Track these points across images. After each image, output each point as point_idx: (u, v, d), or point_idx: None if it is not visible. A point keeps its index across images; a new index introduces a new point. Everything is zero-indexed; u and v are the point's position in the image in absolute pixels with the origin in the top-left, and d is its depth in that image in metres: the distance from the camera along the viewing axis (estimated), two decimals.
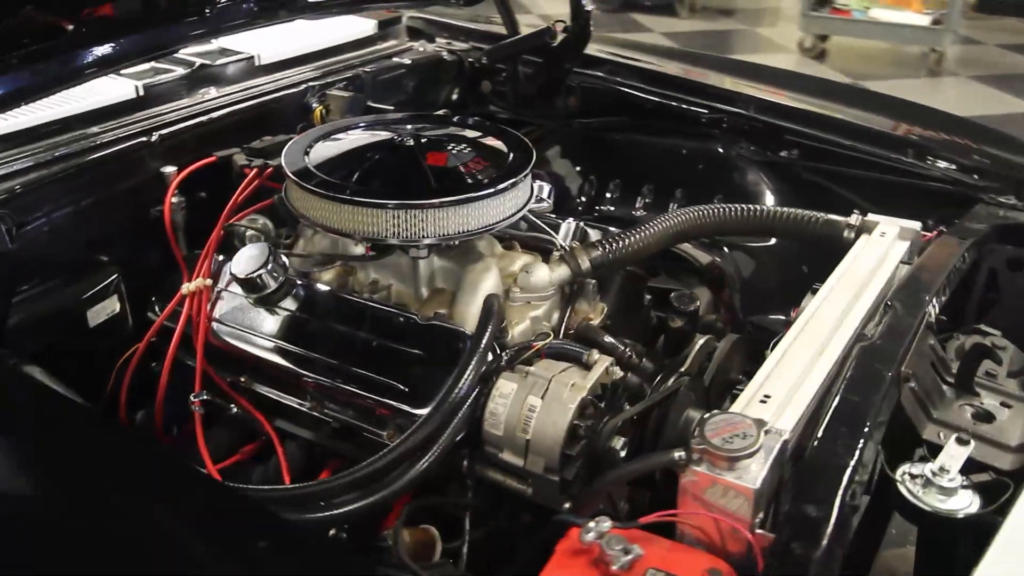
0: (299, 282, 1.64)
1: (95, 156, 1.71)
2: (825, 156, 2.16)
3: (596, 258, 1.67)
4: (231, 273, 1.60)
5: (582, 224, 1.86)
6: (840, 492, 1.06)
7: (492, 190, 1.58)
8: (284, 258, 1.63)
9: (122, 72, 1.89)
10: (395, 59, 2.40)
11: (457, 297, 1.63)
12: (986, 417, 1.36)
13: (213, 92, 2.00)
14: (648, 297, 1.90)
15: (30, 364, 1.46)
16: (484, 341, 1.39)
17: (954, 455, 1.24)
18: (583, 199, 2.40)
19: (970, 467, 1.25)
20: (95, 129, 1.76)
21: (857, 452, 1.11)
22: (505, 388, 1.38)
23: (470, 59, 2.50)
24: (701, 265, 1.99)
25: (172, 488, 1.06)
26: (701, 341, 1.74)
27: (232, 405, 1.60)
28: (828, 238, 1.80)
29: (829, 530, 1.01)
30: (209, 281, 1.67)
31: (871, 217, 1.79)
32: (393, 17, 2.58)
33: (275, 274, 1.59)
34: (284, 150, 1.67)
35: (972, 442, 1.26)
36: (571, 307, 1.70)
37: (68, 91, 1.75)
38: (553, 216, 1.89)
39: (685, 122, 2.30)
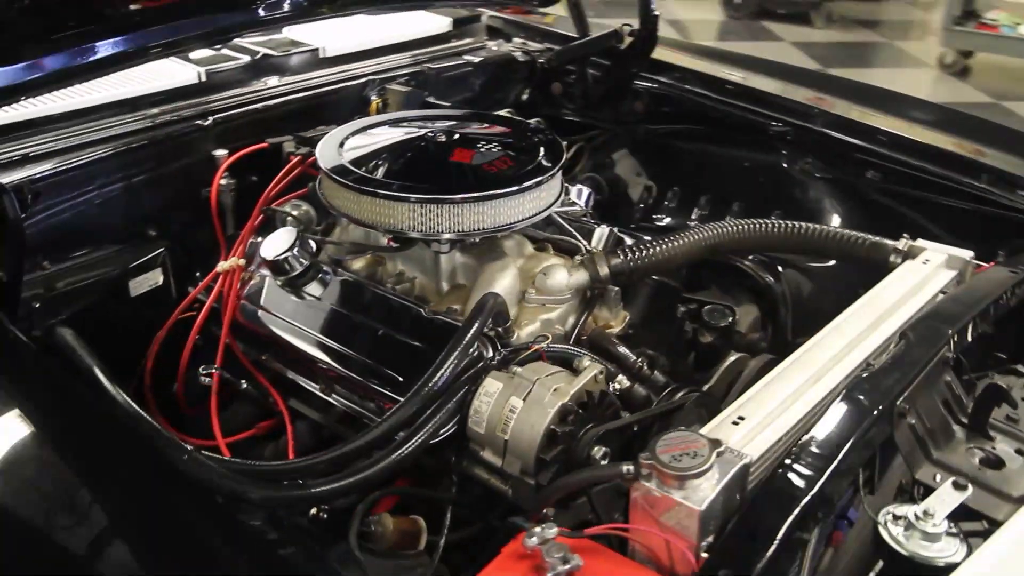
0: (325, 268, 1.69)
1: (151, 135, 1.80)
2: (894, 177, 2.05)
3: (616, 265, 1.65)
4: (260, 255, 1.67)
5: (616, 230, 1.84)
6: (787, 523, 1.01)
7: (509, 189, 1.58)
8: (312, 244, 1.69)
9: (189, 58, 2.00)
10: (464, 57, 2.43)
11: (472, 294, 1.64)
12: (996, 463, 1.26)
13: (273, 81, 2.07)
14: (683, 309, 1.86)
15: (63, 327, 1.56)
16: (469, 335, 1.39)
17: (945, 499, 1.16)
18: (641, 206, 2.36)
19: (964, 514, 1.17)
20: (155, 110, 1.87)
21: (818, 485, 1.06)
22: (491, 387, 1.38)
23: (541, 60, 2.50)
24: (754, 282, 1.93)
25: (137, 459, 1.12)
26: (732, 359, 1.69)
27: (243, 381, 1.66)
28: (874, 261, 1.72)
29: (763, 562, 0.96)
30: (242, 261, 1.74)
31: (920, 243, 1.69)
32: (472, 16, 2.61)
33: (301, 258, 1.65)
34: (321, 141, 1.72)
35: (970, 488, 1.18)
36: (589, 313, 1.68)
37: (136, 74, 1.88)
38: (589, 221, 1.88)
39: (750, 133, 2.23)
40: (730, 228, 1.74)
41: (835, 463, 1.09)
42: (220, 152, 1.87)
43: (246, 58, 2.07)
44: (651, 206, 2.33)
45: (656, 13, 2.26)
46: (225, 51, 2.09)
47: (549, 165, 1.67)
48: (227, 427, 1.70)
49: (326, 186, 1.68)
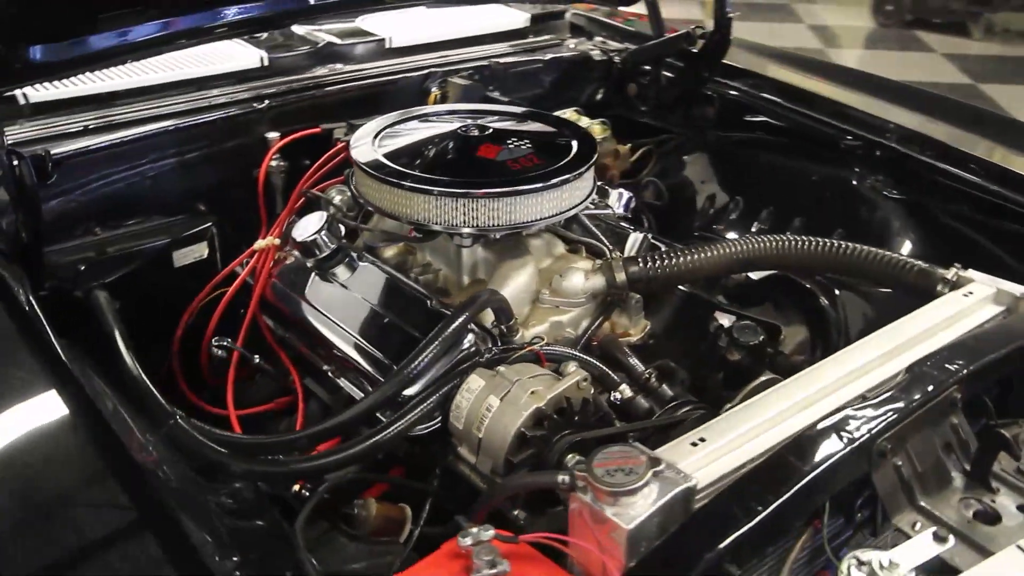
0: (352, 253, 1.72)
1: (208, 115, 1.89)
2: (969, 201, 1.91)
3: (634, 272, 1.61)
4: (291, 236, 1.72)
5: (651, 237, 1.79)
6: (711, 552, 0.96)
7: (527, 187, 1.57)
8: (341, 228, 1.72)
9: (254, 43, 2.08)
10: (537, 54, 2.42)
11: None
12: (990, 518, 1.16)
13: (335, 68, 2.13)
14: (717, 323, 1.79)
15: (102, 290, 1.66)
16: (452, 327, 1.40)
17: (919, 550, 1.08)
18: (704, 214, 2.29)
19: (941, 569, 1.09)
20: (215, 91, 1.95)
21: (759, 517, 1.00)
22: (474, 383, 1.37)
23: (616, 60, 2.46)
24: (809, 302, 1.84)
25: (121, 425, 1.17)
26: (762, 379, 1.62)
27: (256, 356, 1.71)
28: (920, 289, 1.60)
29: None
30: (277, 240, 1.80)
31: (971, 273, 1.56)
32: (554, 12, 2.59)
33: (329, 242, 1.68)
34: (357, 131, 1.76)
35: (951, 540, 1.08)
36: (605, 318, 1.65)
37: (201, 55, 1.97)
38: (625, 226, 1.84)
39: (821, 145, 2.12)
40: (765, 244, 1.66)
41: (786, 496, 1.03)
42: (273, 135, 1.94)
43: (310, 46, 2.14)
44: (712, 215, 2.26)
45: (731, 15, 2.18)
46: (292, 38, 2.16)
47: (575, 166, 1.64)
48: (250, 400, 1.76)
49: (356, 175, 1.71)
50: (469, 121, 1.79)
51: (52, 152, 1.68)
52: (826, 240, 1.66)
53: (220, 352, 1.69)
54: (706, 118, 2.33)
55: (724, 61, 2.28)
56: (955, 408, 1.23)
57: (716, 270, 1.66)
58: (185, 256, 1.84)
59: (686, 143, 2.37)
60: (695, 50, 2.25)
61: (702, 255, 1.62)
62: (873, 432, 1.12)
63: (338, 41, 2.17)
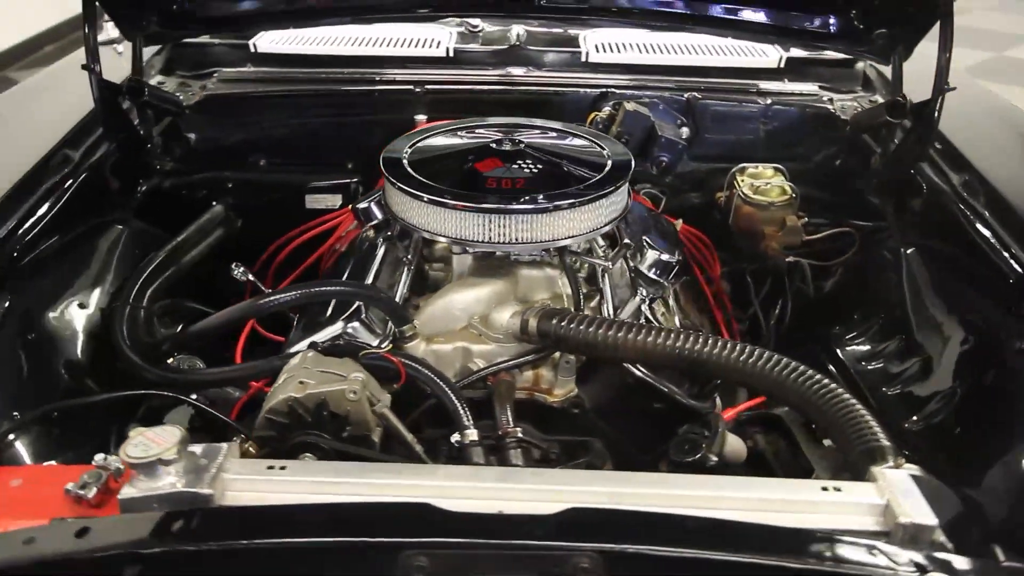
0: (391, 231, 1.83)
1: (372, 88, 2.14)
2: None
3: (544, 326, 1.48)
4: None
5: (648, 300, 1.60)
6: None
7: (491, 205, 1.55)
8: None
9: (450, 35, 2.25)
10: (757, 97, 2.15)
11: (434, 296, 1.64)
12: None
13: (510, 71, 2.19)
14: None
15: (225, 202, 2.05)
16: (310, 291, 1.54)
17: None
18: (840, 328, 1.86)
19: None
20: (390, 70, 2.18)
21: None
22: (293, 360, 1.42)
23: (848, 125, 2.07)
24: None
25: None
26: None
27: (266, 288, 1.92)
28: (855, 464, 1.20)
29: None
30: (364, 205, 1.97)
31: (901, 471, 1.11)
32: (843, 59, 2.24)
33: (379, 212, 1.80)
34: (403, 135, 1.84)
35: None
36: (532, 366, 1.54)
37: (397, 37, 2.23)
38: (645, 288, 1.65)
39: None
40: (704, 346, 1.37)
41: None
42: (420, 117, 2.12)
43: (499, 45, 2.23)
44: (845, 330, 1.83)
45: (949, 88, 1.70)
46: (492, 35, 2.28)
47: (559, 198, 1.54)
48: None
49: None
50: (501, 135, 1.76)
51: (248, 92, 2.12)
52: (792, 363, 1.32)
53: (240, 276, 1.94)
54: (912, 211, 1.86)
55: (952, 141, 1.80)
56: None
57: (641, 356, 1.42)
58: (317, 202, 2.14)
59: (887, 239, 1.91)
60: (899, 124, 1.80)
61: (622, 335, 1.41)
62: None
63: (531, 46, 2.22)
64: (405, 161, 1.69)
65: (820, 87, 2.23)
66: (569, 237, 1.58)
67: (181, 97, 2.12)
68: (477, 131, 1.82)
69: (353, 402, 1.34)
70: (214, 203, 2.05)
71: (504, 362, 1.52)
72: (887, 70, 2.01)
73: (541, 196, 1.56)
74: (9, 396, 1.42)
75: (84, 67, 1.72)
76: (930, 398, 1.53)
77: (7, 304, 1.49)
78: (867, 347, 1.74)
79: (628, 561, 0.95)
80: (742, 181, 2.03)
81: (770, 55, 2.24)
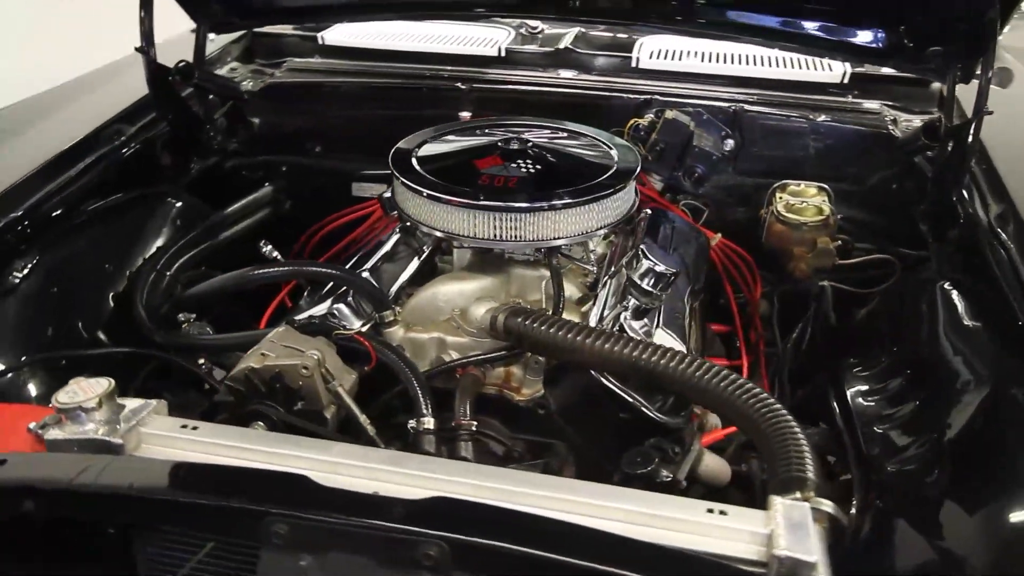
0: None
1: (419, 83, 2.20)
2: None
3: (511, 323, 1.48)
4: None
5: (623, 309, 1.58)
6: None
7: (476, 201, 1.57)
8: None
9: (506, 36, 2.27)
10: (809, 112, 2.06)
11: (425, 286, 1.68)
12: None
13: (559, 73, 2.19)
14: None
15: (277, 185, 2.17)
16: (290, 268, 1.66)
17: None
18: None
19: None
20: (441, 66, 2.23)
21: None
22: (274, 333, 1.49)
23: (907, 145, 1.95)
24: None
25: None
26: None
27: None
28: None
29: None
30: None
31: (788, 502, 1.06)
32: (916, 77, 2.11)
33: None
34: (422, 131, 1.88)
35: None
36: (504, 364, 1.55)
37: (450, 35, 2.28)
38: (639, 298, 1.62)
39: None
40: (659, 358, 1.34)
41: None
42: (464, 114, 2.15)
43: (552, 47, 2.23)
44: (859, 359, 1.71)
45: (987, 112, 1.58)
46: (550, 37, 2.28)
47: (544, 197, 1.55)
48: None
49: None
50: (508, 134, 1.78)
51: (306, 81, 2.23)
52: (743, 383, 1.29)
53: (268, 255, 2.03)
54: (951, 241, 1.73)
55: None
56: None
57: (599, 362, 1.40)
58: (363, 190, 2.22)
59: (926, 271, 1.79)
60: (935, 146, 1.69)
61: (586, 340, 1.39)
62: None
63: (581, 50, 2.22)
64: (413, 155, 1.74)
65: (887, 106, 2.12)
66: (556, 239, 1.58)
67: (249, 84, 2.26)
68: (495, 130, 1.84)
69: (306, 377, 1.39)
70: (266, 184, 2.17)
71: (473, 356, 1.54)
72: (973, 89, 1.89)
73: (529, 195, 1.57)
74: (22, 339, 1.56)
75: (137, 49, 1.86)
76: (913, 443, 1.43)
77: (36, 259, 1.63)
78: (871, 384, 1.64)
79: (474, 554, 0.95)
80: (779, 198, 1.95)
81: (835, 69, 2.15)
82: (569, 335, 1.41)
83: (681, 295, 1.74)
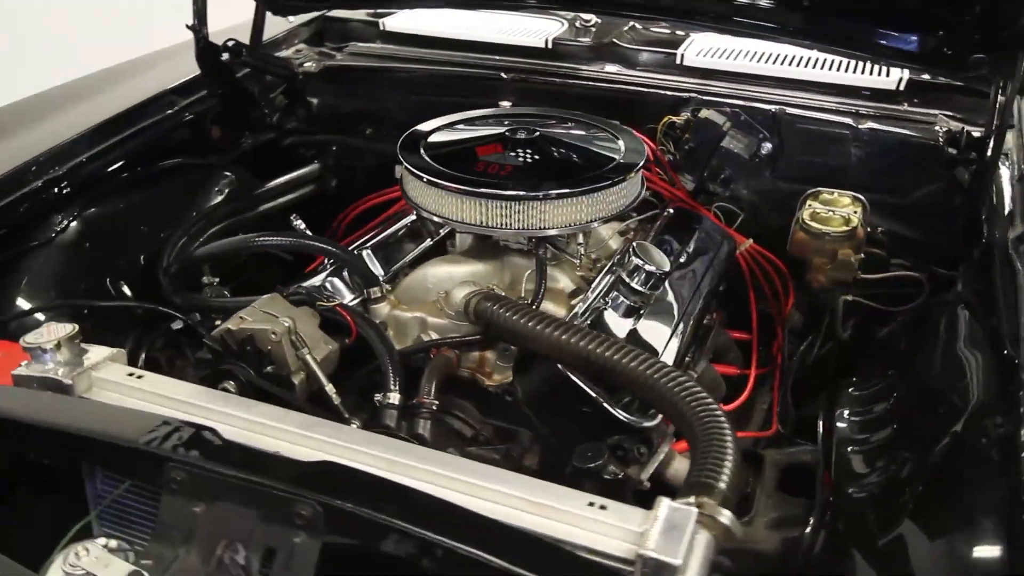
0: None
1: (463, 71, 2.23)
2: None
3: (481, 308, 1.50)
4: None
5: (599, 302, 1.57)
6: None
7: (465, 188, 1.59)
8: None
9: (556, 27, 2.27)
10: (849, 119, 1.96)
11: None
12: None
13: (607, 67, 2.17)
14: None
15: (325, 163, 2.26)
16: (295, 240, 1.72)
17: None
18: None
19: None
20: (488, 55, 2.26)
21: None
22: (258, 301, 1.57)
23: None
24: None
25: None
26: None
27: None
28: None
29: None
30: None
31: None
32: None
33: None
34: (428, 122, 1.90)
35: None
36: (479, 349, 1.56)
37: (499, 26, 2.30)
38: (629, 295, 1.61)
39: None
40: (612, 353, 1.34)
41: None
42: (505, 104, 2.17)
43: (596, 40, 2.21)
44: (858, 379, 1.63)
45: (1010, 124, 1.48)
46: (601, 30, 2.27)
47: (536, 187, 1.56)
48: None
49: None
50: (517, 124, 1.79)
51: (360, 65, 2.32)
52: (688, 385, 1.27)
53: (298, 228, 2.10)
54: (972, 261, 1.62)
55: None
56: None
57: (556, 352, 1.40)
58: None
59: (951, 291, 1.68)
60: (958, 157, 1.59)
61: (544, 329, 1.40)
62: None
63: (626, 44, 2.19)
64: (422, 141, 1.78)
65: (945, 116, 1.99)
66: (544, 228, 1.59)
67: (312, 65, 2.36)
68: (513, 120, 1.86)
69: (274, 342, 1.46)
70: (315, 161, 2.27)
71: (448, 338, 1.56)
72: None
73: (520, 184, 1.58)
74: (53, 285, 1.70)
75: (189, 27, 1.99)
76: (877, 469, 1.36)
77: (76, 212, 1.78)
78: (858, 406, 1.56)
79: (343, 517, 0.99)
80: (808, 206, 1.88)
81: (891, 75, 2.04)
82: (529, 323, 1.42)
83: (681, 296, 1.71)
